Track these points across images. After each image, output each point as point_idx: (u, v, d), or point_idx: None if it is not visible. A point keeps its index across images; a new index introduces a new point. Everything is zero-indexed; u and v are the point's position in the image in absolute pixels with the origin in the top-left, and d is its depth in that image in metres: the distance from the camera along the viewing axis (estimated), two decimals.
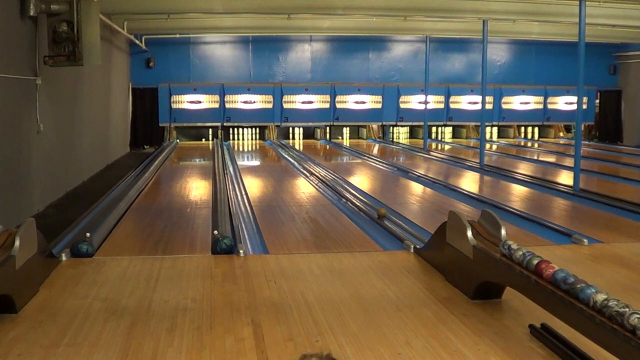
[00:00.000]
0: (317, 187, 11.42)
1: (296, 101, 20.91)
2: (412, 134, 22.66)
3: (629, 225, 8.08)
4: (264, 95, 20.63)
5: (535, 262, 4.16)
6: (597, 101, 22.37)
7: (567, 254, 6.25)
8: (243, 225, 8.06)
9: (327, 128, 21.71)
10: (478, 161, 14.40)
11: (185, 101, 20.15)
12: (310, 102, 21.01)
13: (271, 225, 8.10)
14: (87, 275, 5.48)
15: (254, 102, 20.62)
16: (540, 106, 22.07)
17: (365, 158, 16.57)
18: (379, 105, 21.34)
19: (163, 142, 19.81)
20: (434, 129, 22.41)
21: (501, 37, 19.59)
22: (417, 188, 11.81)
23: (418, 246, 6.42)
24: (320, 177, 12.39)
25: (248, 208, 9.36)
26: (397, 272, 5.68)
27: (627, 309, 3.26)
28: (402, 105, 21.40)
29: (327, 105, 21.08)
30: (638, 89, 21.12)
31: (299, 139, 21.89)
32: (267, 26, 17.78)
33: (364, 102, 21.31)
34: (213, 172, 12.75)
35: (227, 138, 21.02)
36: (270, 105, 20.72)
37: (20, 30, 8.16)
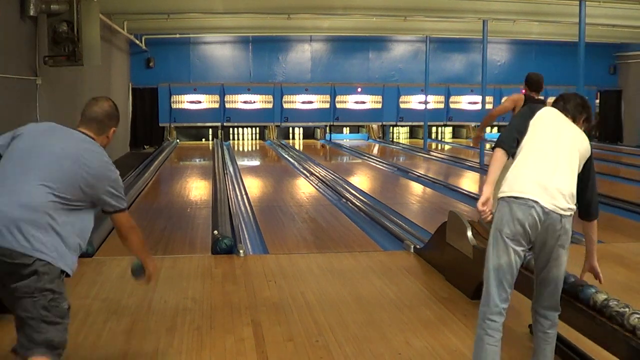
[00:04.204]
0: (317, 187, 11.43)
1: (296, 101, 20.91)
2: (412, 134, 22.66)
3: (629, 225, 8.08)
4: (264, 95, 20.63)
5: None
6: (597, 101, 22.37)
7: None
8: (243, 225, 8.06)
9: (328, 128, 21.71)
10: (478, 161, 14.40)
11: (185, 101, 20.15)
12: (310, 102, 21.01)
13: (271, 225, 8.11)
14: (87, 275, 5.47)
15: (254, 102, 20.62)
16: None
17: (365, 158, 16.57)
18: (379, 105, 21.35)
19: (163, 142, 19.81)
20: (434, 129, 22.41)
21: (501, 37, 19.60)
22: (417, 188, 11.82)
23: (418, 246, 6.42)
24: (320, 177, 12.39)
25: (248, 208, 9.37)
26: (397, 272, 5.68)
27: (627, 309, 3.26)
28: (402, 105, 21.40)
29: (327, 105, 21.09)
30: (638, 89, 21.11)
31: (299, 139, 21.89)
32: (267, 26, 17.79)
33: (364, 102, 21.31)
34: (213, 172, 12.76)
35: (227, 138, 21.01)
36: (270, 105, 20.72)
37: (20, 30, 8.16)
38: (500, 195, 3.23)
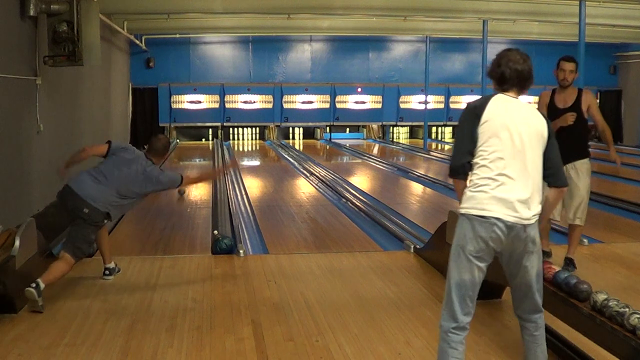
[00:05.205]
0: (317, 187, 11.43)
1: (296, 101, 20.91)
2: (412, 134, 22.65)
3: (629, 225, 8.08)
4: (264, 95, 20.62)
5: None
6: (597, 101, 22.38)
7: None
8: (243, 225, 8.06)
9: (327, 128, 21.72)
10: None
11: (185, 101, 20.14)
12: (310, 102, 21.01)
13: (271, 225, 8.11)
14: (87, 275, 5.48)
15: (254, 102, 20.61)
16: None
17: (365, 158, 16.57)
18: (379, 105, 21.34)
19: None
20: (434, 129, 22.40)
21: (501, 37, 19.56)
22: (417, 188, 11.82)
23: (418, 246, 6.42)
24: (320, 177, 12.39)
25: (248, 208, 9.37)
26: (397, 272, 5.68)
27: (627, 309, 3.27)
28: (402, 105, 21.39)
29: (327, 105, 21.08)
30: (638, 89, 21.10)
31: (299, 139, 21.89)
32: (267, 26, 17.77)
33: (364, 102, 21.31)
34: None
35: (227, 138, 21.01)
36: (270, 105, 20.72)
37: (20, 30, 8.15)
38: (461, 211, 3.13)
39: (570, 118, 5.50)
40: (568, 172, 5.53)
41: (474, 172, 3.13)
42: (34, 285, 4.55)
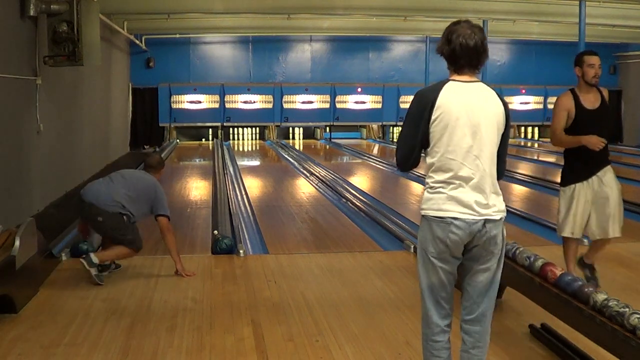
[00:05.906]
0: (317, 187, 11.43)
1: (296, 101, 20.91)
2: None
3: (629, 225, 8.04)
4: (264, 95, 20.63)
5: (539, 264, 4.15)
6: None
7: None
8: (243, 225, 8.06)
9: (328, 128, 21.72)
10: None
11: (185, 101, 20.15)
12: (310, 102, 21.01)
13: (271, 225, 8.11)
14: (87, 276, 5.48)
15: (254, 102, 20.62)
16: (540, 106, 22.05)
17: (365, 158, 16.57)
18: (379, 105, 21.34)
19: (163, 142, 19.81)
20: None
21: (501, 37, 19.59)
22: (417, 188, 11.81)
23: None
24: (320, 177, 12.39)
25: (248, 208, 9.37)
26: (397, 272, 5.68)
27: (627, 309, 3.27)
28: (402, 105, 21.36)
29: (327, 105, 21.08)
30: (638, 89, 21.09)
31: (299, 139, 21.89)
32: (267, 26, 17.78)
33: (364, 102, 21.31)
34: (213, 172, 12.75)
35: (227, 138, 21.01)
36: (270, 105, 20.72)
37: (20, 30, 8.15)
38: (421, 212, 3.00)
39: (599, 144, 5.01)
40: (595, 182, 5.24)
41: (429, 174, 2.97)
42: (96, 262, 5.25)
